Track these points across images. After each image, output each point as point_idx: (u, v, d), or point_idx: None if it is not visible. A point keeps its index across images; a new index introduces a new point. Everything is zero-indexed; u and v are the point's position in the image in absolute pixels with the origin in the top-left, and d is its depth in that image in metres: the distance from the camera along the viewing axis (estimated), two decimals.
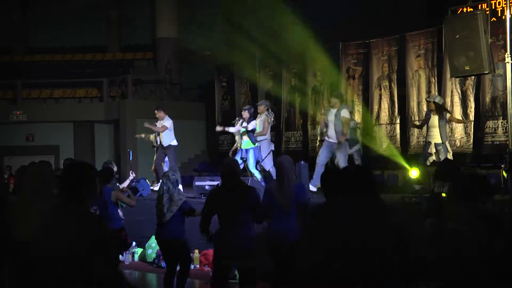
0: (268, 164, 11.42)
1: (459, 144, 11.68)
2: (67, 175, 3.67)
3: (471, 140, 11.53)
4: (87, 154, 18.72)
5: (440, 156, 10.25)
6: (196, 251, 10.13)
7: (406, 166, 11.13)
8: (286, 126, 15.12)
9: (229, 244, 5.92)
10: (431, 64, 12.31)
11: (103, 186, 8.40)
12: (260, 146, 11.46)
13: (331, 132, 10.28)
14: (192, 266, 9.99)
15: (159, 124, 12.59)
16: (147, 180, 13.14)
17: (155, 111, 12.70)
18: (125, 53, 21.98)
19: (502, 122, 10.95)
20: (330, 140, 10.29)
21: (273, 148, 11.75)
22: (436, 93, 12.10)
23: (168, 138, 12.50)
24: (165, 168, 12.27)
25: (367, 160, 13.61)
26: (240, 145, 11.65)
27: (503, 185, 9.54)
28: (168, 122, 12.51)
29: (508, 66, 9.14)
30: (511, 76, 9.10)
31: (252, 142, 11.35)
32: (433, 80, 12.24)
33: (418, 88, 12.50)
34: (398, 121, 12.89)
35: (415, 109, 12.49)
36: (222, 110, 16.87)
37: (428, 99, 10.82)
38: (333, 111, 10.35)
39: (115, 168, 10.88)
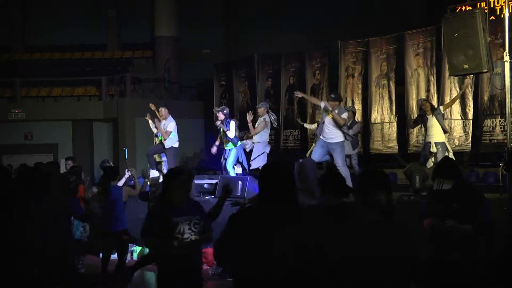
0: (256, 164, 11.51)
1: (457, 142, 11.69)
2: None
3: (470, 139, 11.54)
4: (86, 153, 18.71)
5: (438, 155, 10.19)
6: None
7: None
8: (285, 125, 15.12)
9: None
10: (430, 62, 12.31)
11: (111, 185, 8.36)
12: (254, 146, 11.61)
13: (327, 131, 9.95)
14: None
15: (162, 124, 12.42)
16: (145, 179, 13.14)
17: (161, 108, 12.53)
18: (124, 51, 21.97)
19: (500, 121, 10.96)
20: (326, 140, 9.96)
21: (268, 150, 11.71)
22: (435, 92, 12.12)
23: (170, 141, 12.32)
24: (164, 169, 12.22)
25: (367, 159, 13.65)
26: (224, 145, 11.77)
27: (501, 183, 9.55)
28: (172, 125, 12.31)
29: (507, 65, 9.15)
30: (510, 74, 9.11)
31: (234, 144, 11.53)
32: (432, 78, 12.24)
33: (417, 87, 12.50)
34: (396, 119, 12.90)
35: (414, 108, 12.48)
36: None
37: (423, 100, 10.73)
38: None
39: None
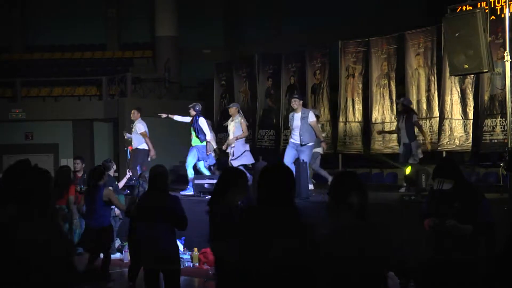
0: (237, 163, 11.65)
1: (458, 142, 11.69)
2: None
3: (470, 139, 11.54)
4: (86, 153, 18.71)
5: (414, 155, 10.72)
6: (195, 249, 10.15)
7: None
8: (285, 125, 15.11)
9: (151, 249, 6.14)
10: (430, 62, 12.30)
11: (96, 184, 8.57)
12: (233, 147, 11.79)
13: (296, 136, 10.56)
14: (191, 265, 10.04)
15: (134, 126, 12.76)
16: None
17: (132, 110, 12.95)
18: (124, 51, 21.98)
19: (500, 121, 10.95)
20: (295, 141, 10.56)
21: (248, 148, 11.93)
22: (436, 92, 12.12)
23: (137, 141, 12.65)
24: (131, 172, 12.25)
25: (368, 159, 13.65)
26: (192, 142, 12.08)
27: (502, 183, 9.55)
28: (139, 126, 12.64)
29: (507, 65, 9.14)
30: (510, 74, 9.10)
31: (200, 141, 11.84)
32: (433, 78, 12.24)
33: (418, 87, 12.50)
34: (397, 119, 12.88)
35: (415, 108, 12.48)
36: (221, 108, 16.87)
37: (397, 101, 11.15)
38: (297, 115, 10.61)
39: (114, 167, 10.89)
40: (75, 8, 21.60)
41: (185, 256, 10.15)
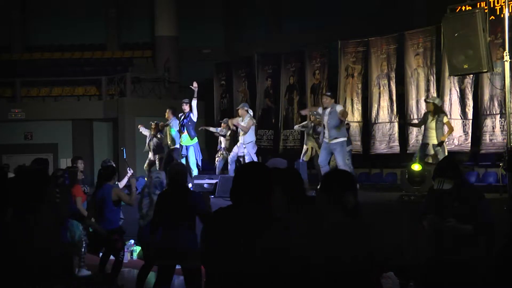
0: None
1: (457, 142, 11.69)
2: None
3: (469, 139, 11.54)
4: (86, 152, 18.72)
5: (439, 157, 10.22)
6: None
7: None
8: (284, 125, 15.13)
9: (172, 246, 6.12)
10: (429, 62, 12.32)
11: (104, 184, 8.32)
12: (246, 147, 11.74)
13: (325, 133, 10.21)
14: None
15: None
16: (146, 178, 13.14)
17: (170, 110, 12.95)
18: (124, 51, 21.96)
19: (500, 121, 10.96)
20: (325, 139, 10.21)
21: (255, 150, 12.00)
22: (435, 92, 12.12)
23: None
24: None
25: (368, 159, 13.66)
26: (180, 141, 12.08)
27: (501, 183, 9.55)
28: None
29: (507, 65, 9.15)
30: (510, 74, 9.11)
31: (191, 137, 11.84)
32: (432, 78, 12.25)
33: (417, 87, 12.51)
34: (397, 119, 12.90)
35: (414, 108, 12.50)
36: (221, 108, 16.89)
37: (427, 100, 10.71)
38: (326, 111, 10.26)
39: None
40: (75, 8, 21.58)
41: None
